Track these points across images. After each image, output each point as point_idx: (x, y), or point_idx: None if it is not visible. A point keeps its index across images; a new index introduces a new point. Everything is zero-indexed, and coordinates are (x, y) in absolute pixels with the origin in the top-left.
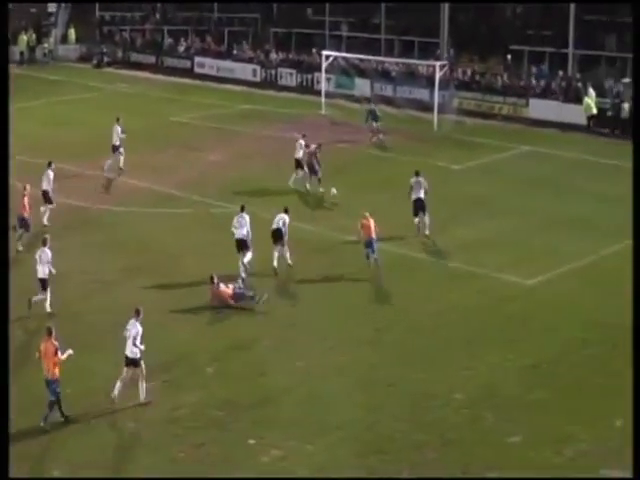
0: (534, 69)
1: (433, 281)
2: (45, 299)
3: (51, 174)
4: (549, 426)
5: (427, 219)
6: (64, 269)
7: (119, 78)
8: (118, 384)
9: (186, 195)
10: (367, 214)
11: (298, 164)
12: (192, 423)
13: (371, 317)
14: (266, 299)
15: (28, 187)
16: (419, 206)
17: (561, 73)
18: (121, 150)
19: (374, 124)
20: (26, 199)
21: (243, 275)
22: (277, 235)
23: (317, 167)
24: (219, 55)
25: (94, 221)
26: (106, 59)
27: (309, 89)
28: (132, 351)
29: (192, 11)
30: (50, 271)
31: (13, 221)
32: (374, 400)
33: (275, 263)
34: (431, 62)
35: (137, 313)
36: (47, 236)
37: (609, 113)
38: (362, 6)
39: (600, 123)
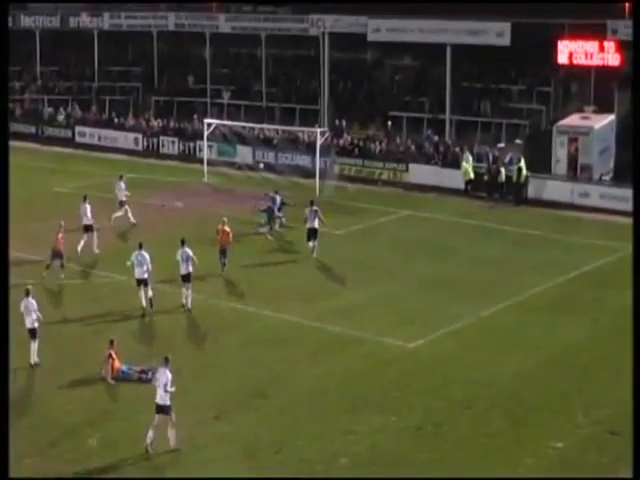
0: (426, 134)
1: (316, 346)
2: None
3: (88, 207)
4: None
5: (317, 244)
6: None
7: None
8: (150, 433)
9: (69, 265)
10: (225, 220)
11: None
12: None
13: (254, 384)
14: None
15: (62, 223)
16: (312, 234)
17: (436, 138)
18: (126, 206)
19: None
20: (60, 235)
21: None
22: (187, 277)
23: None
24: (100, 124)
25: None
26: None
27: (191, 157)
28: (162, 398)
29: (72, 80)
30: (38, 319)
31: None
32: (259, 468)
33: (185, 300)
34: (312, 129)
35: (166, 361)
36: (30, 287)
37: (486, 177)
38: (243, 74)
39: (477, 187)
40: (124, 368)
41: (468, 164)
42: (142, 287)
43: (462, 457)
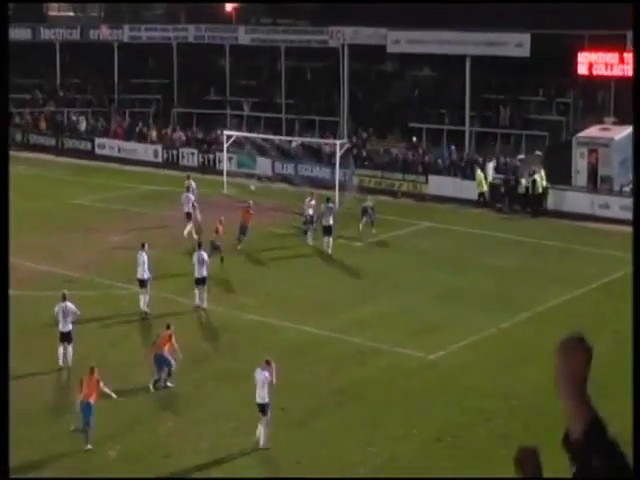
0: (445, 145)
1: (335, 358)
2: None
3: (191, 197)
4: None
5: (331, 241)
6: None
7: (17, 161)
8: (257, 430)
9: (88, 277)
10: (251, 202)
11: (311, 220)
12: None
13: (276, 396)
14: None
15: (251, 202)
16: (327, 231)
17: (453, 147)
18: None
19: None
20: (250, 211)
21: (147, 310)
22: (202, 281)
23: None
24: (120, 136)
25: None
26: None
27: (211, 169)
28: (261, 397)
29: (92, 92)
30: (75, 322)
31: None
32: (279, 478)
33: (199, 302)
34: (331, 140)
35: (268, 363)
36: (65, 291)
37: (502, 189)
38: (263, 86)
39: (497, 198)
40: (165, 354)
41: (483, 175)
42: (141, 288)
43: (482, 469)
